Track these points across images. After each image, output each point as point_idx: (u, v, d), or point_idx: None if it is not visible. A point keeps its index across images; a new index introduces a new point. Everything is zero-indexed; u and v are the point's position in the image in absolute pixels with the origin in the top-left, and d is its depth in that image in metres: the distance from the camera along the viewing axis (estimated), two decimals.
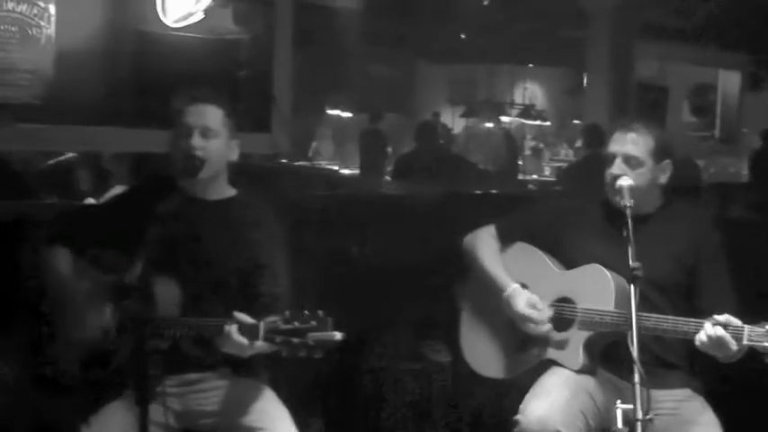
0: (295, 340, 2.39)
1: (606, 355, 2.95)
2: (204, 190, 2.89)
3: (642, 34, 8.91)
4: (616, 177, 2.93)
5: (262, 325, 2.47)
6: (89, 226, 2.96)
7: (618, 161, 2.95)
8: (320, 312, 2.41)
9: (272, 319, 2.48)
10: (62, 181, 5.41)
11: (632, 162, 2.95)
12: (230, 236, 2.86)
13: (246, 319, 2.53)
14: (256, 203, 2.97)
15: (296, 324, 2.41)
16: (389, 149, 9.77)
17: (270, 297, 2.72)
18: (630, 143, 2.96)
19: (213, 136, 2.82)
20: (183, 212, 2.75)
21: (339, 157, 10.88)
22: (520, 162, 10.99)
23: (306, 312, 2.41)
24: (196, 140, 2.78)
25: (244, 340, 2.50)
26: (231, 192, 2.97)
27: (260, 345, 2.49)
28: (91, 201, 4.84)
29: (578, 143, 8.78)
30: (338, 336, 2.40)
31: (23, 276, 3.06)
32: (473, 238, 3.24)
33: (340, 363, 3.99)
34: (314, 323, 2.39)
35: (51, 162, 5.47)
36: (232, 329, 2.51)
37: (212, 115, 2.84)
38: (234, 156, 2.92)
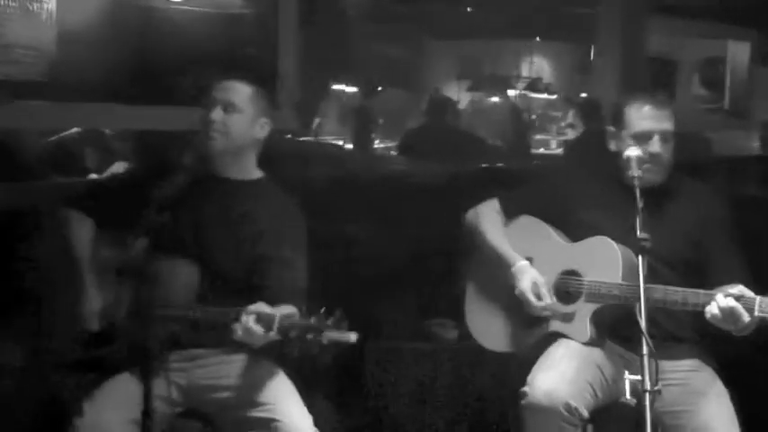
0: (309, 336, 2.33)
1: (614, 327, 2.92)
2: (227, 168, 2.88)
3: (652, 8, 8.82)
4: (653, 155, 2.88)
5: (278, 316, 2.43)
6: (108, 199, 2.95)
7: (656, 139, 2.90)
8: (338, 312, 2.35)
9: (287, 312, 2.44)
10: (66, 159, 5.39)
11: (668, 137, 2.92)
12: (252, 217, 2.84)
13: (265, 308, 2.49)
14: (281, 191, 2.95)
15: (312, 321, 2.35)
16: (379, 122, 9.77)
17: (284, 290, 2.68)
18: (667, 119, 2.92)
19: (235, 111, 2.82)
20: (206, 190, 2.75)
21: (344, 132, 10.82)
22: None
23: (323, 310, 2.35)
24: (216, 114, 2.80)
25: (259, 329, 2.45)
26: (257, 174, 2.96)
27: (272, 336, 2.45)
28: (94, 176, 4.82)
29: (568, 119, 8.70)
30: (353, 337, 2.34)
31: (27, 256, 3.05)
32: (476, 212, 3.21)
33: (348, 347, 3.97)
34: (330, 322, 2.33)
35: (53, 139, 5.45)
36: (249, 319, 2.46)
37: (238, 91, 2.85)
38: (260, 134, 2.91)
